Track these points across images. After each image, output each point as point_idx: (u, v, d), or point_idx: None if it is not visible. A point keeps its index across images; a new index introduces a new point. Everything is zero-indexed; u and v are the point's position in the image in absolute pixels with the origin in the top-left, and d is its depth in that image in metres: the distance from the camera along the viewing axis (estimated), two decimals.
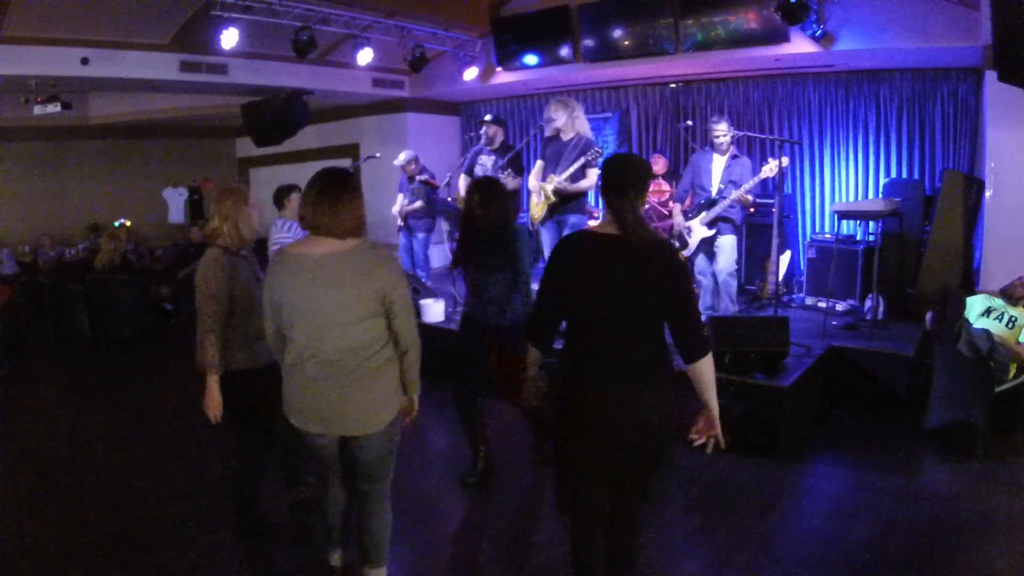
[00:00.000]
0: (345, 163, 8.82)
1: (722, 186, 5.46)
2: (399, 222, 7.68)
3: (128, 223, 10.55)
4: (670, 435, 2.39)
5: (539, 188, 5.60)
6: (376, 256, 2.49)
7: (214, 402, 2.97)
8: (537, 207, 5.67)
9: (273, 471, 3.58)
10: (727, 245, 5.49)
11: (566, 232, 5.56)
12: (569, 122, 5.47)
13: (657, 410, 2.31)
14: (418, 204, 7.34)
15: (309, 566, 3.10)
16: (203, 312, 2.97)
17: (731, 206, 5.40)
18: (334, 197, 2.44)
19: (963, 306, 4.55)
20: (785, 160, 5.45)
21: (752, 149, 7.71)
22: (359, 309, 2.43)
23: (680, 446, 2.47)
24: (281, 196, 4.95)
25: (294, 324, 2.48)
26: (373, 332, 2.48)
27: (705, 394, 2.32)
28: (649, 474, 2.51)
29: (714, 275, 5.60)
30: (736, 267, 5.64)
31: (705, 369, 2.30)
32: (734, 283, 5.62)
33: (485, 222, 3.70)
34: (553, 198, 5.50)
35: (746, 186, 5.32)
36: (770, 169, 5.31)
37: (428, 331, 6.08)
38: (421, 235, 7.71)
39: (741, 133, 6.00)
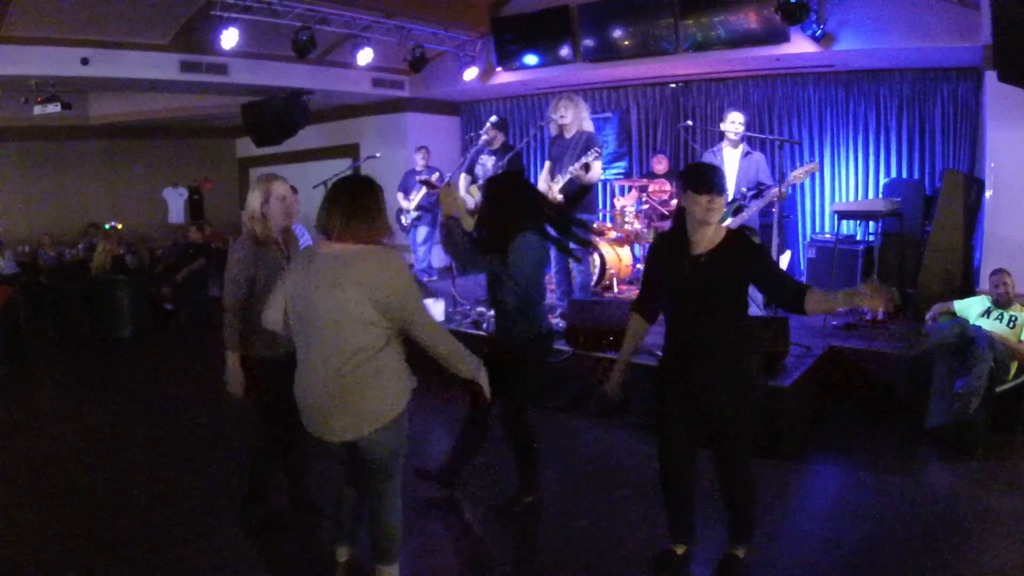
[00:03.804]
0: (345, 163, 8.82)
1: (744, 190, 5.40)
2: (411, 217, 7.90)
3: (119, 226, 10.51)
4: None
5: (548, 190, 5.62)
6: (381, 263, 2.43)
7: (234, 379, 3.13)
8: None
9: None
10: None
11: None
12: (576, 120, 5.50)
13: None
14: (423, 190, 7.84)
15: (316, 561, 3.10)
16: (224, 292, 3.14)
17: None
18: (346, 202, 2.48)
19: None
20: (814, 166, 5.55)
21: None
22: (353, 314, 2.40)
23: None
24: None
25: (300, 320, 2.52)
26: (364, 339, 2.43)
27: None
28: None
29: None
30: None
31: None
32: None
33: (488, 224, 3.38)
34: (560, 196, 5.51)
35: (778, 189, 5.24)
36: (796, 176, 5.35)
37: None
38: (423, 228, 7.94)
39: (744, 133, 5.99)
